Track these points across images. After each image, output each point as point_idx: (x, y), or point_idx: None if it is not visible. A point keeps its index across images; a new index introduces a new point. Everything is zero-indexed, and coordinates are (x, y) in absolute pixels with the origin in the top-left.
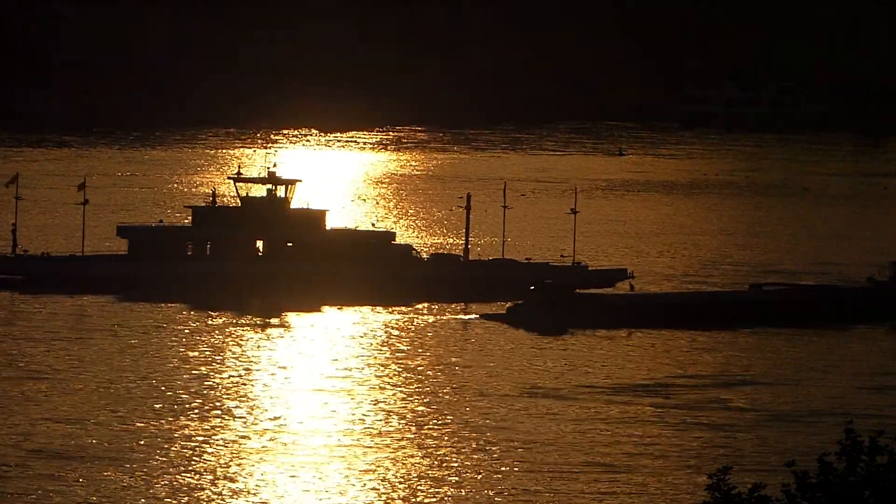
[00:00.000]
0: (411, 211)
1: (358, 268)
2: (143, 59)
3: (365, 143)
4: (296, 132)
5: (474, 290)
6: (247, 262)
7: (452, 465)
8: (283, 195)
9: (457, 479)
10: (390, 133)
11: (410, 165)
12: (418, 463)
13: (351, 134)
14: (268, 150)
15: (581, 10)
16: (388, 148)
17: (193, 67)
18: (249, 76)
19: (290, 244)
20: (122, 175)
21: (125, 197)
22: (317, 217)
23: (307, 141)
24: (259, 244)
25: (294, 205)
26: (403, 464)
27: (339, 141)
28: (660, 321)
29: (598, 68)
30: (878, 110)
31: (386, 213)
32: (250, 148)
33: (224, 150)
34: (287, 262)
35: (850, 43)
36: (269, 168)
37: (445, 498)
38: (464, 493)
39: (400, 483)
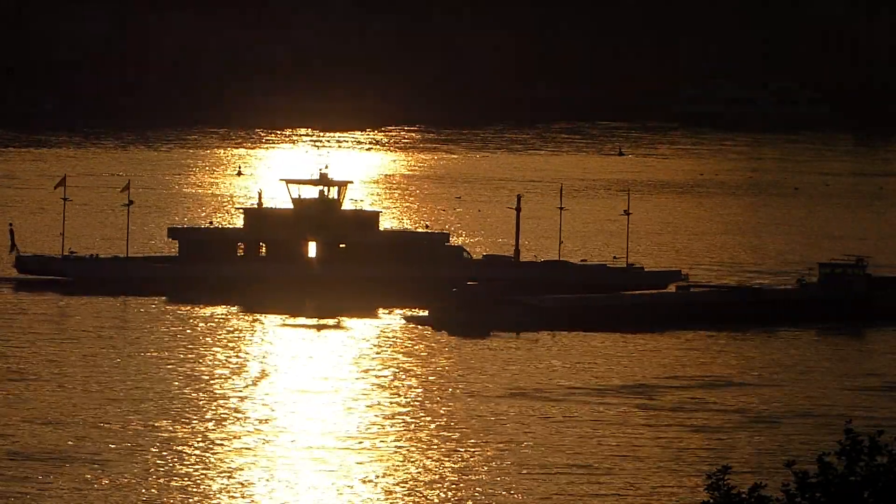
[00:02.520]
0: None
1: (409, 269)
2: (140, 59)
3: (363, 143)
4: (295, 132)
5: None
6: (299, 264)
7: (437, 466)
8: (334, 196)
9: (443, 480)
10: (388, 133)
11: (410, 165)
12: (401, 465)
13: (349, 134)
14: (319, 152)
15: (580, 9)
16: (387, 148)
17: (193, 67)
18: (248, 76)
19: (343, 245)
20: (128, 176)
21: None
22: (370, 218)
23: (303, 141)
24: (311, 246)
25: (345, 206)
26: (385, 466)
27: (338, 141)
28: (584, 323)
29: (597, 68)
30: (879, 110)
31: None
32: (255, 149)
33: (223, 151)
34: (340, 264)
35: (851, 43)
36: (320, 169)
37: (432, 499)
38: (452, 495)
39: (382, 485)
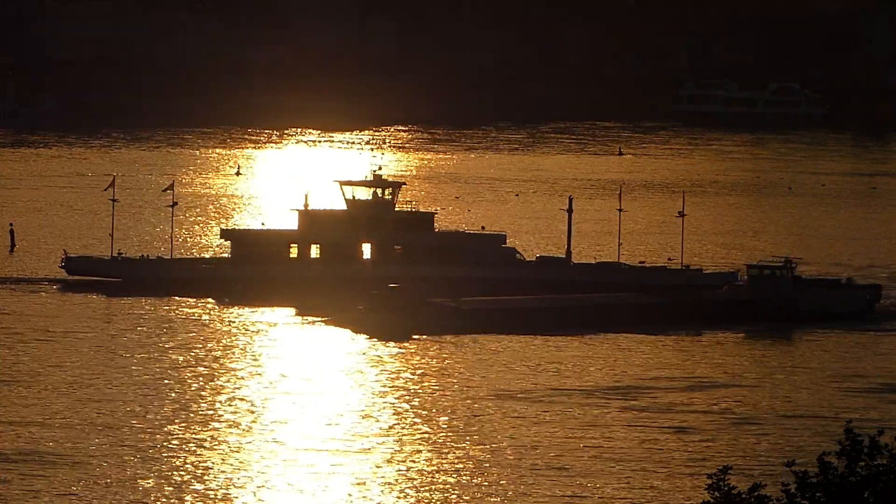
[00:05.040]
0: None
1: (463, 271)
2: (140, 58)
3: (361, 143)
4: (295, 132)
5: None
6: (353, 265)
7: (422, 468)
8: (388, 197)
9: (429, 481)
10: (387, 133)
11: (410, 165)
12: (382, 466)
13: (349, 134)
14: (373, 153)
15: (580, 8)
16: (388, 147)
17: (192, 67)
18: (248, 76)
19: (398, 247)
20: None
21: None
22: (426, 219)
23: (296, 140)
24: (366, 247)
25: (398, 207)
26: (364, 467)
27: (336, 141)
28: (509, 326)
29: (596, 67)
30: (878, 110)
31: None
32: (254, 149)
33: (222, 151)
34: (395, 265)
35: (850, 43)
36: (373, 170)
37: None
38: (437, 497)
39: (366, 487)
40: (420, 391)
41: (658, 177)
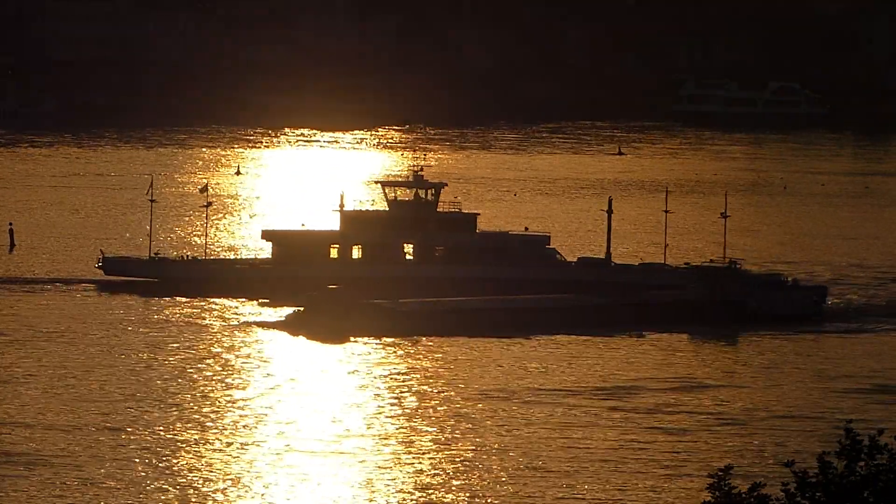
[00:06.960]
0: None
1: (504, 271)
2: (140, 58)
3: (362, 143)
4: (295, 132)
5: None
6: (395, 266)
7: (412, 470)
8: (429, 198)
9: (415, 483)
10: (387, 132)
11: (410, 165)
12: (369, 468)
13: (349, 134)
14: (416, 154)
15: (580, 8)
16: (388, 147)
17: (192, 67)
18: (248, 76)
19: (440, 247)
20: (140, 175)
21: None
22: (468, 220)
23: (298, 141)
24: (408, 248)
25: (440, 208)
26: (348, 469)
27: (335, 141)
28: (446, 328)
29: (596, 67)
30: (878, 110)
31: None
32: (254, 149)
33: (223, 150)
34: (436, 265)
35: (850, 43)
36: (415, 171)
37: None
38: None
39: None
40: (372, 393)
41: (657, 176)
